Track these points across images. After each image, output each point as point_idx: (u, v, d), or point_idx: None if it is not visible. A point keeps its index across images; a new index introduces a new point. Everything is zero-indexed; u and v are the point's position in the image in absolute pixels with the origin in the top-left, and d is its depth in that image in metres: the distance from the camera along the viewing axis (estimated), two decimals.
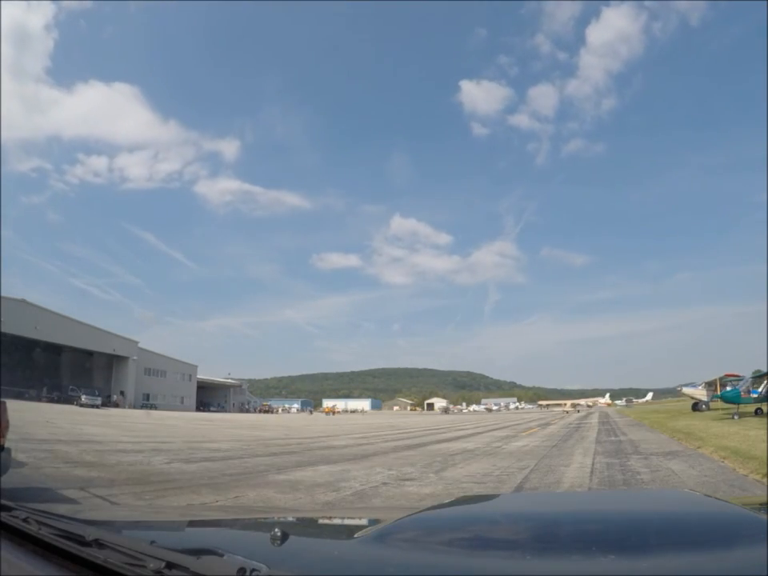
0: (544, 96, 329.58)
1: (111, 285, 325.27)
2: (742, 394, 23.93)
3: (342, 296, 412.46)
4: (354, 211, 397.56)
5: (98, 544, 1.12)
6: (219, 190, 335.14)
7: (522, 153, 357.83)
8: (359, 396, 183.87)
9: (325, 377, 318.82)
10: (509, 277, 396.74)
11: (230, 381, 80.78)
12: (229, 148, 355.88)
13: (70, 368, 51.36)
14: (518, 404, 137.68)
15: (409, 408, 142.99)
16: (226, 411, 70.10)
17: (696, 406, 31.38)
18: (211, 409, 69.66)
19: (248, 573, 0.91)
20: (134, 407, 49.58)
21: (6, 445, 4.95)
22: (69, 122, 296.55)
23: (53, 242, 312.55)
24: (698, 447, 11.99)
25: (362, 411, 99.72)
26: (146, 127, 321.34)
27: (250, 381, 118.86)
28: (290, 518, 2.16)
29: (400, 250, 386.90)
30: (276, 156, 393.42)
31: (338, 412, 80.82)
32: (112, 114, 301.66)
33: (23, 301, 43.27)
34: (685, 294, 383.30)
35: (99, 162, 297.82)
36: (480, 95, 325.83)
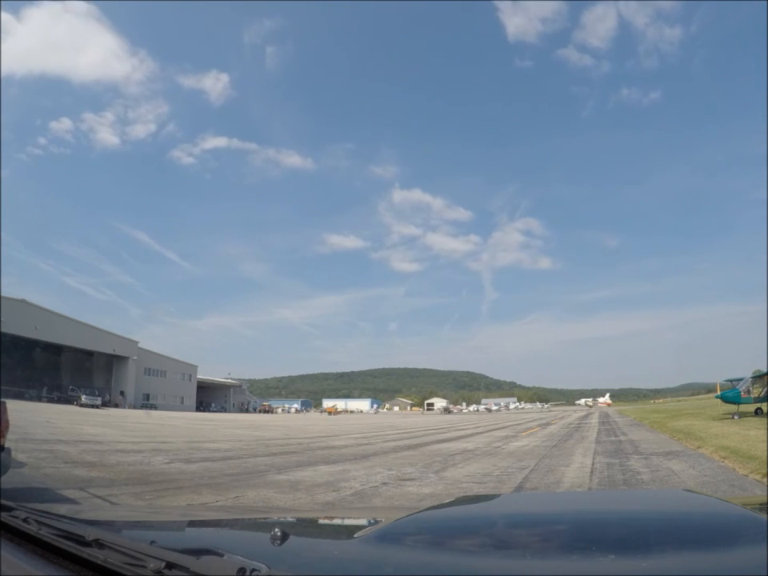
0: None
1: (104, 283, 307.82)
2: (742, 393, 23.90)
3: (337, 295, 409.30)
4: (362, 175, 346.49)
5: (98, 544, 1.12)
6: (202, 150, 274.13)
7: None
8: (359, 396, 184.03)
9: (325, 377, 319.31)
10: (531, 260, 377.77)
11: (230, 381, 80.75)
12: (214, 87, 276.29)
13: (70, 368, 51.41)
14: (517, 404, 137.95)
15: (410, 408, 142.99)
16: (226, 411, 70.11)
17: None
18: (211, 409, 69.64)
19: (248, 573, 0.91)
20: (134, 407, 49.56)
21: (6, 445, 4.95)
22: (21, 54, 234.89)
23: (30, 229, 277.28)
24: (698, 447, 11.98)
25: (362, 411, 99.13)
26: (112, 59, 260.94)
27: (250, 381, 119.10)
28: (290, 518, 2.16)
29: (414, 228, 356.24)
30: (270, 101, 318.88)
31: (340, 412, 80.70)
32: (71, 41, 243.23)
33: (23, 301, 43.26)
34: (685, 293, 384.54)
35: (60, 126, 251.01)
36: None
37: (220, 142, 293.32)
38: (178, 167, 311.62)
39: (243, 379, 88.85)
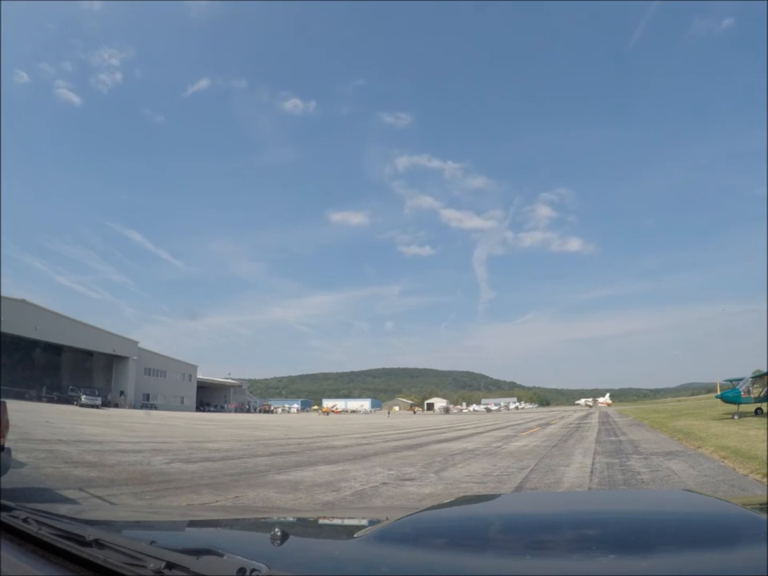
0: None
1: (98, 282, 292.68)
2: (742, 393, 23.90)
3: (332, 294, 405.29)
4: (371, 126, 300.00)
5: (98, 544, 1.12)
6: (182, 99, 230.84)
7: None
8: (359, 396, 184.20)
9: (325, 377, 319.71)
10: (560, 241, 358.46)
11: (230, 381, 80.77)
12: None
13: (70, 368, 51.42)
14: (518, 404, 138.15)
15: (410, 408, 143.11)
16: (225, 411, 70.13)
17: None
18: (211, 409, 69.66)
19: (248, 573, 0.91)
20: (134, 407, 49.56)
21: (6, 445, 4.96)
22: None
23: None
24: (698, 447, 11.98)
25: (366, 411, 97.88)
26: None
27: (250, 381, 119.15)
28: (290, 518, 2.16)
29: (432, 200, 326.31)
30: (264, 20, 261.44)
31: (340, 412, 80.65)
32: None
33: (23, 301, 43.24)
34: (685, 292, 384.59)
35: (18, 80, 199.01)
36: None
37: (202, 84, 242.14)
38: (153, 126, 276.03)
39: (243, 379, 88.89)
